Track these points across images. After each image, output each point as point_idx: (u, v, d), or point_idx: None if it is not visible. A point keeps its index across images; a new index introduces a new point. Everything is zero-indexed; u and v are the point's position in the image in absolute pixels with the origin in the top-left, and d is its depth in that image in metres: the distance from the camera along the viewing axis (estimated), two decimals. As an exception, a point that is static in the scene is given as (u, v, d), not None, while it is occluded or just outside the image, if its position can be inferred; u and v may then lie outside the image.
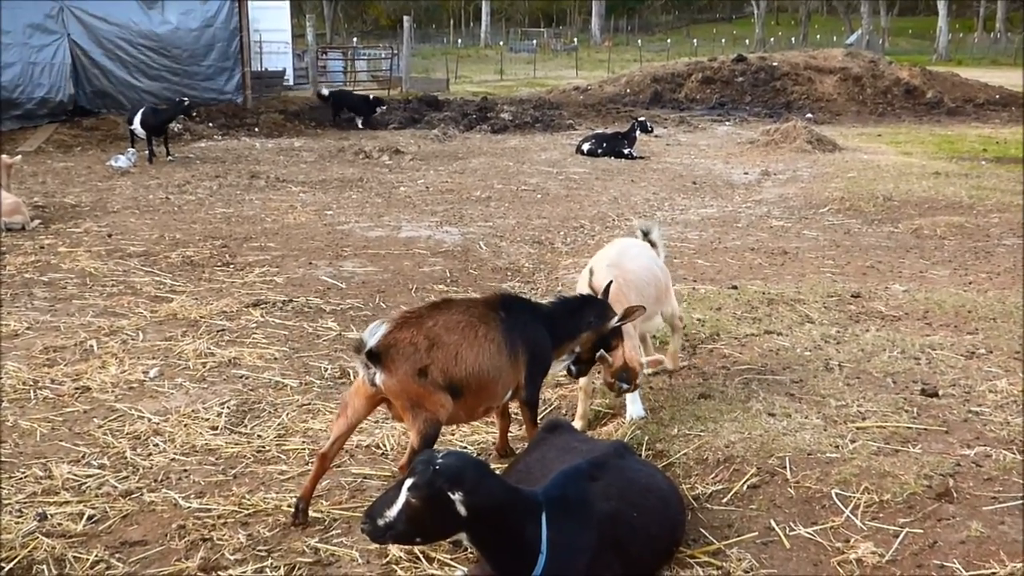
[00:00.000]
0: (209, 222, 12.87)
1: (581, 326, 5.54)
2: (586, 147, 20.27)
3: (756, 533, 4.75)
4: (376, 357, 4.75)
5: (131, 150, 18.00)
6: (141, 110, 18.19)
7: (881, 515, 4.83)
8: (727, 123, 28.39)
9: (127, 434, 6.11)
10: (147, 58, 23.32)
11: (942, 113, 31.83)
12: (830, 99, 32.67)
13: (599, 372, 5.93)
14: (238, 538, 4.80)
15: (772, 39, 76.83)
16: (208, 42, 24.62)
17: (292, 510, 5.05)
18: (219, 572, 4.52)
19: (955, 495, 4.97)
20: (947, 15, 71.24)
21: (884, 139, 25.00)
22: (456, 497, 3.65)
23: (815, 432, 5.70)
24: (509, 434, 5.81)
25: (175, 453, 5.85)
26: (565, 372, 5.86)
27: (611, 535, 4.02)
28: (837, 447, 5.50)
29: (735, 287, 9.56)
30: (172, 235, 11.91)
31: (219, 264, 10.57)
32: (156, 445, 5.96)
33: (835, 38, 76.61)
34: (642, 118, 21.63)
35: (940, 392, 6.43)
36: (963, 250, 11.86)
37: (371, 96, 26.79)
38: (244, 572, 4.51)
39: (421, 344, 4.86)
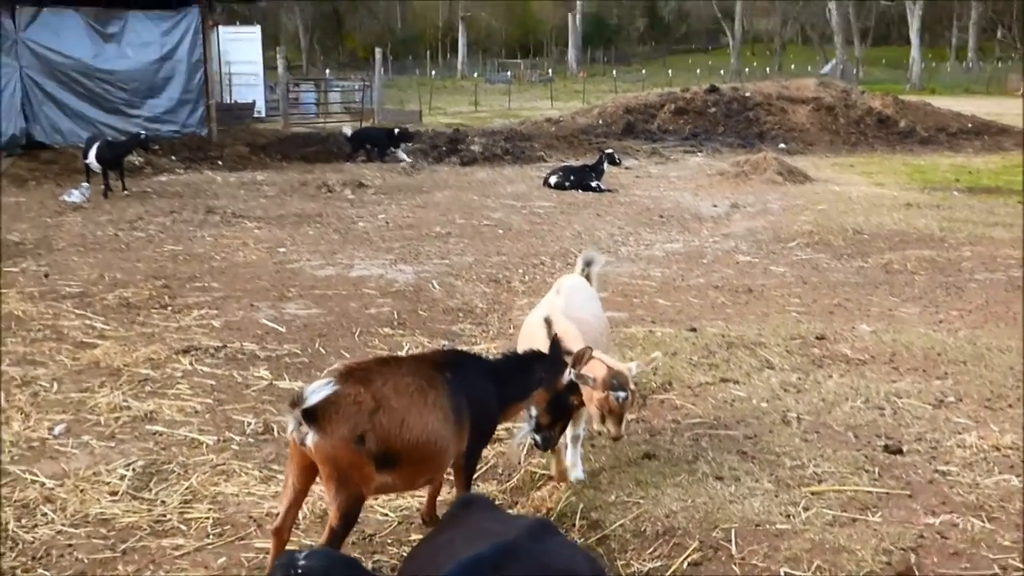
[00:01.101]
0: (155, 260, 12.29)
1: (531, 384, 5.05)
2: (553, 180, 19.80)
3: (694, 622, 4.23)
4: (312, 415, 4.18)
5: (84, 184, 17.41)
6: (96, 143, 17.58)
7: (835, 597, 4.32)
8: (699, 154, 27.99)
9: (15, 502, 5.52)
10: (104, 91, 22.79)
11: (915, 142, 31.54)
12: (803, 129, 32.33)
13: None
14: (111, 633, 4.24)
15: (747, 69, 76.95)
16: (167, 75, 24.09)
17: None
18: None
19: (917, 573, 4.45)
20: (920, 45, 71.47)
21: (856, 169, 24.66)
22: None
23: (765, 499, 5.18)
24: (439, 497, 5.26)
25: (64, 524, 5.27)
26: (530, 443, 5.33)
27: None
28: (788, 516, 4.99)
29: (694, 329, 9.07)
30: (113, 275, 11.33)
31: (156, 306, 10.00)
32: (44, 515, 5.38)
33: (810, 67, 76.81)
34: (610, 150, 21.13)
35: (904, 448, 5.95)
36: (934, 285, 11.42)
37: (395, 130, 25.60)
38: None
39: (366, 405, 4.28)
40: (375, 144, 24.58)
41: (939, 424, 6.45)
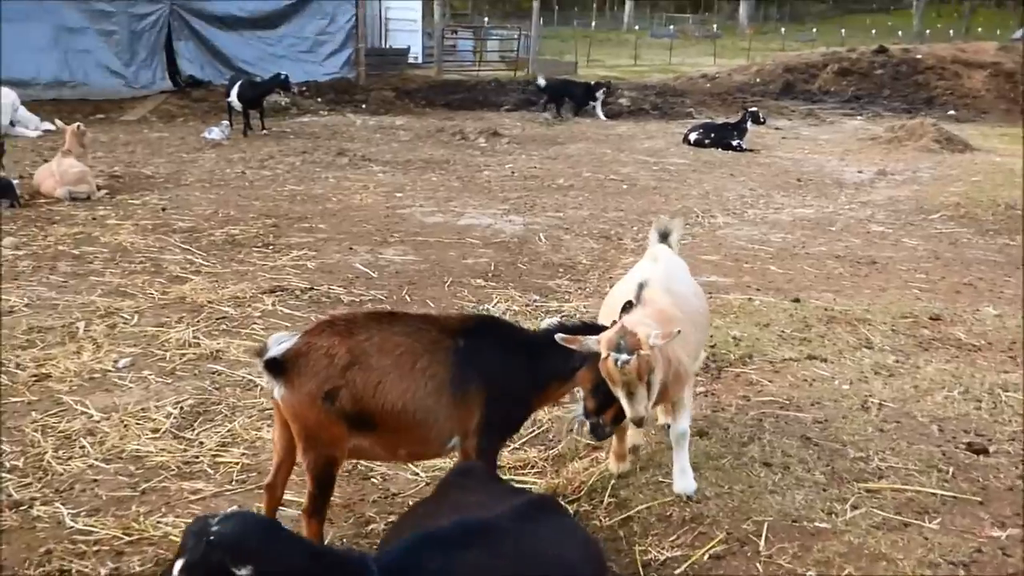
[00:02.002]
0: (272, 199, 12.39)
1: (576, 361, 4.27)
2: (693, 137, 19.12)
3: (700, 621, 3.84)
4: (279, 366, 3.91)
5: (225, 123, 17.85)
6: (238, 83, 17.96)
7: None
8: (858, 118, 26.60)
9: (59, 432, 5.55)
10: (251, 32, 23.29)
11: (1101, 113, 29.15)
12: (977, 95, 30.27)
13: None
14: (99, 572, 4.15)
15: (928, 31, 72.77)
16: (315, 17, 24.41)
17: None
18: (57, 613, 3.87)
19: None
20: None
21: (1029, 140, 22.92)
22: (242, 573, 2.84)
23: (811, 492, 4.69)
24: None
25: (97, 458, 5.25)
26: (590, 433, 4.60)
27: None
28: (831, 514, 4.49)
29: (797, 300, 8.47)
30: (227, 211, 11.48)
31: (259, 245, 10.05)
32: (82, 448, 5.38)
33: (999, 32, 72.07)
34: (754, 108, 20.20)
35: (991, 448, 5.31)
36: (1086, 272, 10.39)
37: (592, 83, 24.68)
38: (83, 617, 3.85)
39: (340, 359, 3.93)
40: (571, 97, 24.00)
41: (1043, 424, 5.77)
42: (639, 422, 4.17)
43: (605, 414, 4.30)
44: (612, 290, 5.39)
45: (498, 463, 4.49)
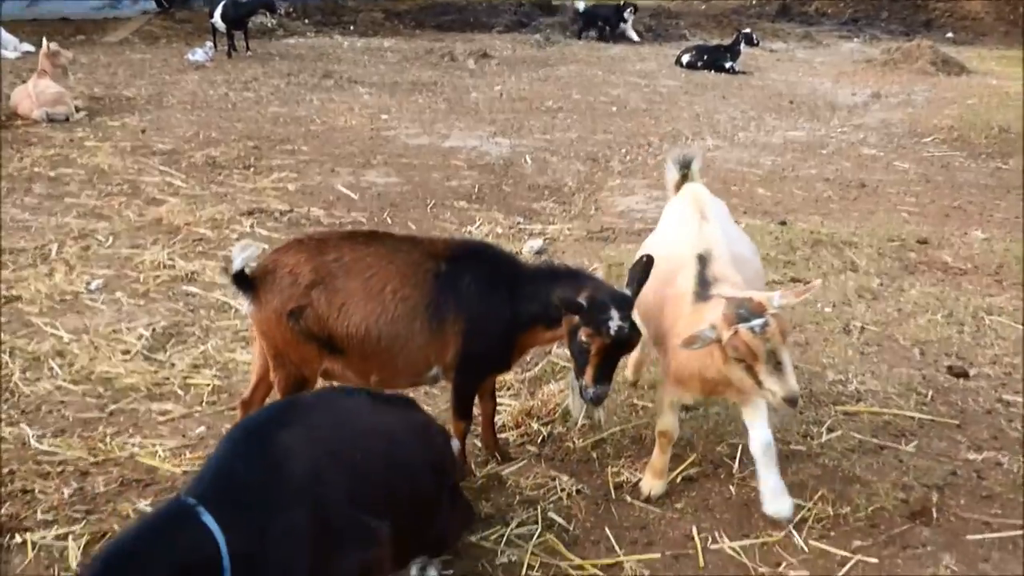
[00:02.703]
0: (255, 121, 12.16)
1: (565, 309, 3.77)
2: (685, 59, 18.81)
3: (670, 542, 3.79)
4: (248, 282, 3.82)
5: (208, 44, 17.48)
6: (221, 3, 17.49)
7: (833, 534, 3.80)
8: (855, 40, 26.16)
9: (27, 354, 5.46)
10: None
11: (1102, 38, 28.75)
12: (976, 18, 29.77)
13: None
14: (63, 493, 4.09)
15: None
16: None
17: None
18: (18, 533, 3.81)
19: (935, 515, 3.88)
20: None
21: (1026, 64, 22.59)
22: None
23: (788, 415, 4.62)
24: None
25: (65, 380, 5.18)
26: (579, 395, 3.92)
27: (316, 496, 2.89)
28: (807, 437, 4.45)
29: (784, 223, 8.37)
30: (208, 133, 11.26)
31: (240, 167, 9.86)
32: (50, 369, 5.30)
33: (1001, -46, 70.77)
34: (747, 30, 19.85)
35: (972, 372, 5.26)
36: (1077, 195, 10.27)
37: (619, 3, 23.26)
38: (43, 537, 3.79)
39: (303, 278, 3.83)
40: (606, 22, 23.38)
41: (1025, 348, 5.70)
42: (793, 400, 3.42)
43: (584, 375, 3.79)
44: (645, 244, 4.52)
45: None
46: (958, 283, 7.02)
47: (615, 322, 3.65)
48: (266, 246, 4.00)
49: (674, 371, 3.82)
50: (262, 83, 15.08)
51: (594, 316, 3.67)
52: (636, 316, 3.81)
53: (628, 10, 23.08)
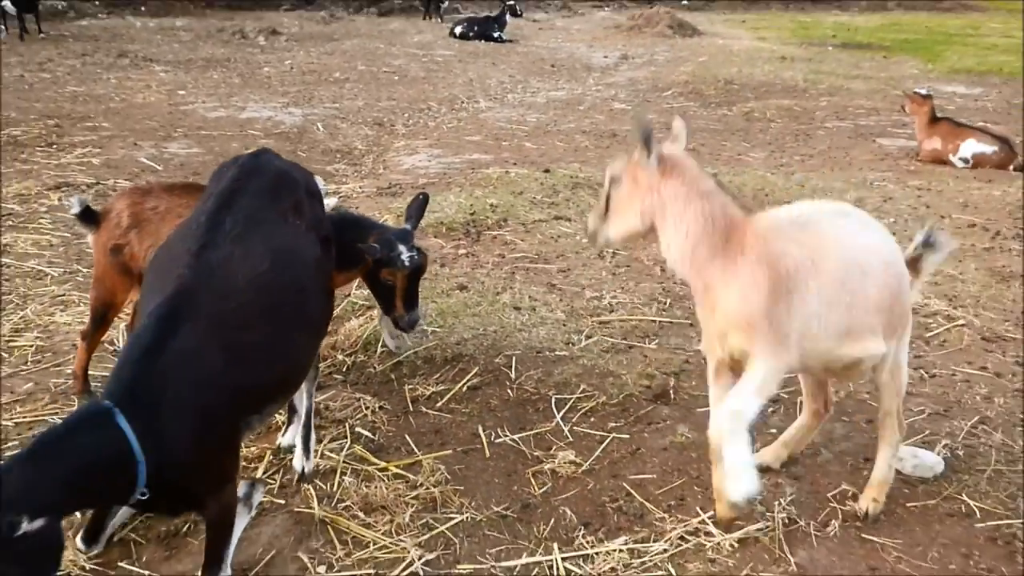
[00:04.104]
0: (53, 101, 11.56)
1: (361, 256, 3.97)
2: (458, 30, 19.04)
3: (461, 441, 4.06)
4: (93, 217, 4.16)
5: (0, 27, 16.33)
6: (10, -13, 16.39)
7: (592, 419, 4.18)
8: (606, 8, 27.14)
9: None
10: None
11: (807, 0, 30.85)
12: (705, -14, 31.40)
13: None
14: None
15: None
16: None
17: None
18: None
19: (672, 396, 4.33)
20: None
21: (747, 25, 24.05)
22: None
23: (553, 327, 4.99)
24: None
25: None
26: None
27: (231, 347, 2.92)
28: (569, 344, 4.81)
29: (547, 171, 8.75)
30: (8, 114, 10.60)
31: (43, 144, 9.38)
32: None
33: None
34: (511, 2, 20.29)
35: (702, 281, 5.75)
36: (785, 133, 11.20)
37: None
38: None
39: (124, 220, 4.10)
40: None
41: (744, 259, 6.28)
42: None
43: (395, 308, 4.10)
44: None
45: None
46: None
47: (406, 254, 3.98)
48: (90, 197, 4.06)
49: None
50: (57, 63, 14.28)
51: (388, 255, 3.94)
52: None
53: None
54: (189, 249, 3.08)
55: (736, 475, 2.93)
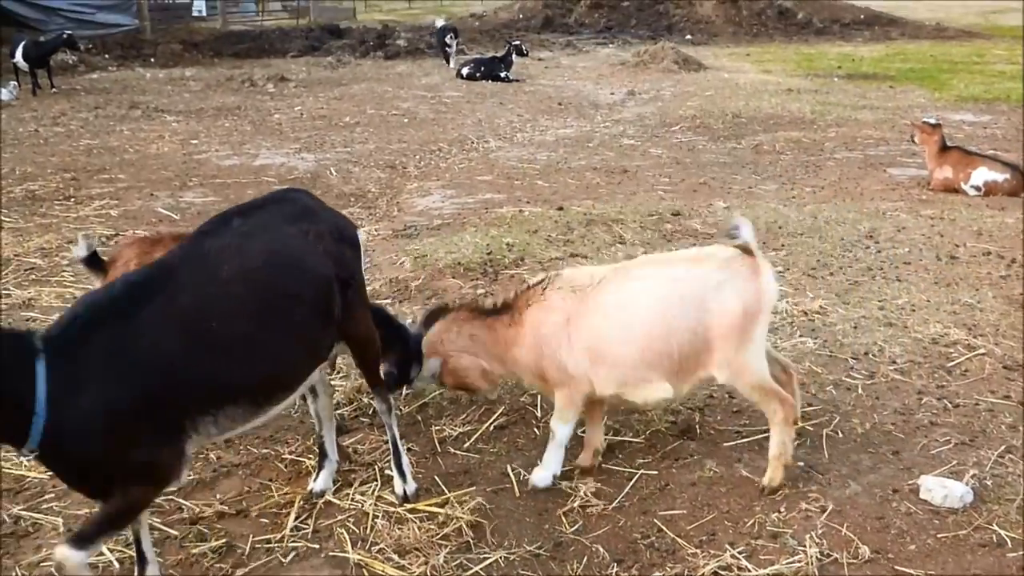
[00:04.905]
0: (69, 154, 11.74)
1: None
2: (465, 71, 19.27)
3: (490, 481, 4.11)
4: (99, 265, 4.47)
5: (12, 83, 16.62)
6: (22, 43, 16.70)
7: (620, 456, 4.23)
8: (610, 46, 27.40)
9: None
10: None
11: (810, 33, 31.15)
12: (709, 21, 31.76)
13: None
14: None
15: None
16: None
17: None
18: None
19: (698, 431, 4.38)
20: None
21: (751, 58, 24.27)
22: None
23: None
24: None
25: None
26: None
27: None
28: (593, 382, 4.86)
29: (561, 208, 8.86)
30: (25, 168, 10.80)
31: (60, 198, 9.55)
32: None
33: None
34: (517, 41, 20.58)
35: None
36: (795, 165, 11.29)
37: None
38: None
39: (132, 268, 4.24)
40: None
41: (761, 292, 6.34)
42: None
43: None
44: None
45: None
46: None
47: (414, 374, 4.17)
48: (94, 239, 4.30)
49: None
50: (71, 117, 14.51)
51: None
52: None
53: (449, 35, 22.86)
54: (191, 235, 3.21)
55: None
